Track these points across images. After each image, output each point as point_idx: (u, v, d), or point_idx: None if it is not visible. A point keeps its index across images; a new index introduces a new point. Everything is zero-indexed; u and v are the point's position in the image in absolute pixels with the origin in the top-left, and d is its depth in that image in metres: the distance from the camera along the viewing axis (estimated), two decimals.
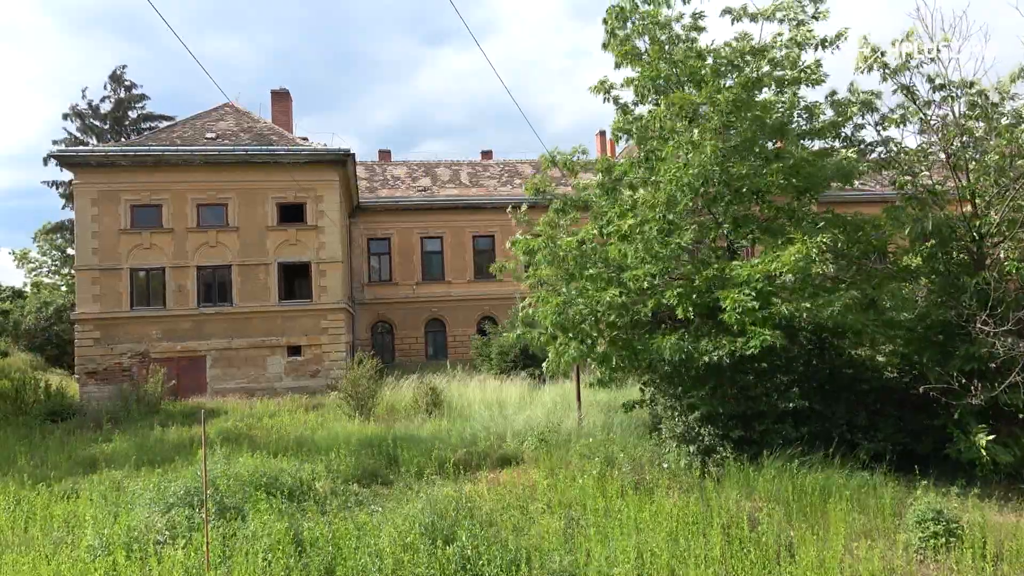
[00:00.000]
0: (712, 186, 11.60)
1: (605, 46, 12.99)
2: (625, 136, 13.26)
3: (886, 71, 12.18)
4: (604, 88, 13.35)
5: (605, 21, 12.84)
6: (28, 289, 47.74)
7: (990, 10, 11.36)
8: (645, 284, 10.99)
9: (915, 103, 12.38)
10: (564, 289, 11.98)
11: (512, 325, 13.19)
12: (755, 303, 10.00)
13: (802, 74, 12.30)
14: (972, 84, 11.89)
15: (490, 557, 7.32)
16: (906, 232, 12.22)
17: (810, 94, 12.92)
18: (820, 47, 12.22)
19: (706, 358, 10.65)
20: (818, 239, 10.24)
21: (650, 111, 12.95)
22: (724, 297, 10.33)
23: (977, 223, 12.02)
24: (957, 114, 12.17)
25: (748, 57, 12.37)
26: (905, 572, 7.44)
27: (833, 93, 12.87)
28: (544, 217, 13.88)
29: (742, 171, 11.37)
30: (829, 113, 12.84)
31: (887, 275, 12.21)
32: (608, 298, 11.17)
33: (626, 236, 11.39)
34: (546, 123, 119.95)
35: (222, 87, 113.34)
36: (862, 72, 12.36)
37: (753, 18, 12.59)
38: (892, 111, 12.72)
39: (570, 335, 11.82)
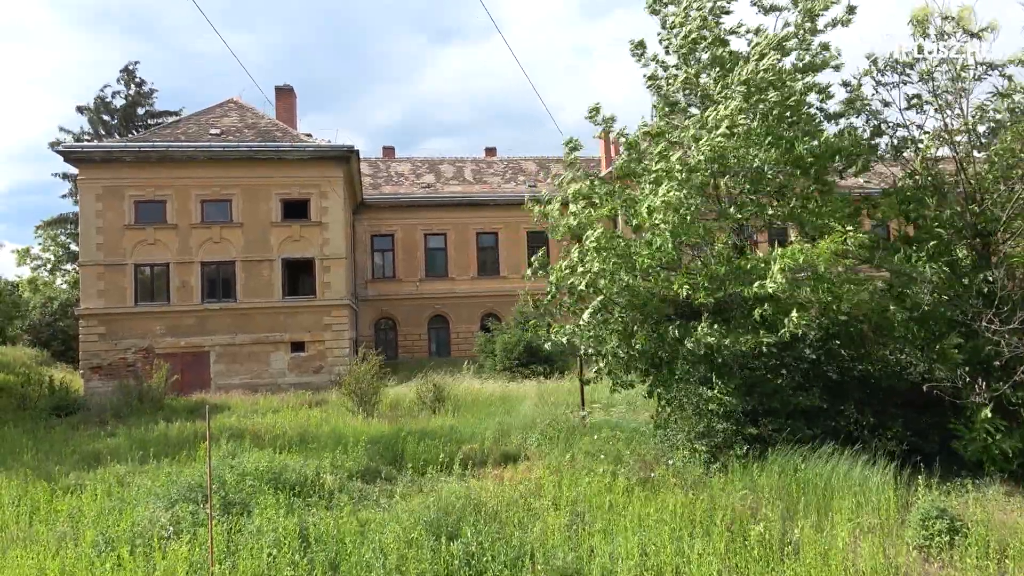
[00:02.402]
0: (731, 163, 11.68)
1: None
2: (655, 93, 13.34)
3: (899, 67, 12.19)
4: (639, 49, 13.62)
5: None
6: (22, 283, 47.76)
7: (996, 5, 11.30)
8: (670, 256, 10.99)
9: (934, 94, 12.32)
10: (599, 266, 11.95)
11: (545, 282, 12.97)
12: (784, 291, 9.96)
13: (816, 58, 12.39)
14: (993, 65, 11.76)
15: (494, 553, 7.32)
16: (926, 214, 12.26)
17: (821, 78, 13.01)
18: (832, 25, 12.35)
19: (739, 347, 10.61)
20: (857, 234, 10.26)
21: (684, 76, 13.02)
22: (749, 287, 10.32)
23: (983, 219, 11.96)
24: (967, 108, 12.12)
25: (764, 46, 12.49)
26: (909, 569, 7.43)
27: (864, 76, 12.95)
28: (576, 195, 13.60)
29: (759, 149, 11.44)
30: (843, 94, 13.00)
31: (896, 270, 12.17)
32: (627, 280, 11.19)
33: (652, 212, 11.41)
34: (550, 121, 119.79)
35: (227, 83, 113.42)
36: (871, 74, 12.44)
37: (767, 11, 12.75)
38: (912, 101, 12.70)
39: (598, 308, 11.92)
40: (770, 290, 9.98)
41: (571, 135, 14.11)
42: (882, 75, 12.67)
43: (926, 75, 12.12)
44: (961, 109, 12.22)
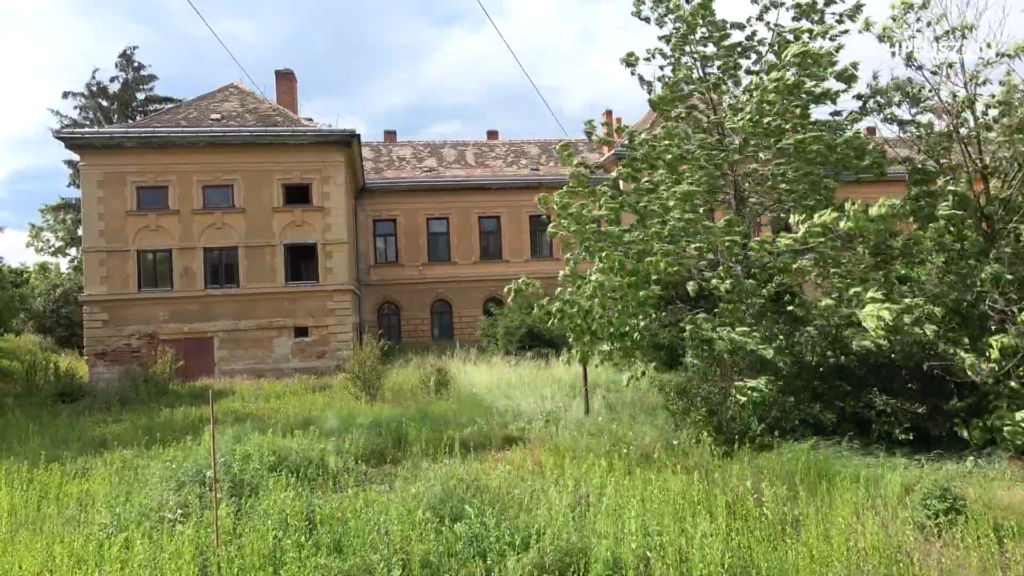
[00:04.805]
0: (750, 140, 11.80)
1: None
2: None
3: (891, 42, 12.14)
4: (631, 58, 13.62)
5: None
6: (32, 269, 47.87)
7: None
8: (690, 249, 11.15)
9: (923, 75, 12.27)
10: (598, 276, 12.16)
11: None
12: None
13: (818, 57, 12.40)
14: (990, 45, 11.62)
15: (499, 535, 7.35)
16: (911, 220, 12.23)
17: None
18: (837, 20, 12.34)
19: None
20: (889, 202, 10.24)
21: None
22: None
23: (994, 201, 11.88)
24: (970, 89, 12.01)
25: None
26: (910, 547, 7.46)
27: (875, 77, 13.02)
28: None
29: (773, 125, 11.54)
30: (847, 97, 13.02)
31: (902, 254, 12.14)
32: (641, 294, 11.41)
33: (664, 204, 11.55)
34: (554, 105, 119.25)
35: (230, 68, 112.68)
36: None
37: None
38: (911, 90, 12.63)
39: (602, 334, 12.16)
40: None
41: (570, 120, 14.40)
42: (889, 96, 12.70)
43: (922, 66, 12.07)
44: (967, 89, 12.11)
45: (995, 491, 9.01)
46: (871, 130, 14.45)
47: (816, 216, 10.17)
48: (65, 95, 43.04)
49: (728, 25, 12.86)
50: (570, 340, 13.02)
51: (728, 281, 11.02)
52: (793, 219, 10.47)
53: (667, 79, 13.31)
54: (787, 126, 11.91)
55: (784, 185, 12.58)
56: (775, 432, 11.05)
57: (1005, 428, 10.05)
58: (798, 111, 12.22)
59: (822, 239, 10.25)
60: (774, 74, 11.88)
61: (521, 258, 36.40)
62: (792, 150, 12.14)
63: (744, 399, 10.89)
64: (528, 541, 7.29)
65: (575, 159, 13.71)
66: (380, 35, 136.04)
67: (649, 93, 13.44)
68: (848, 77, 12.47)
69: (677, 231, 11.54)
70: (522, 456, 11.54)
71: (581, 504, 8.64)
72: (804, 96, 12.20)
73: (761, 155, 12.41)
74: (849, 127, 12.90)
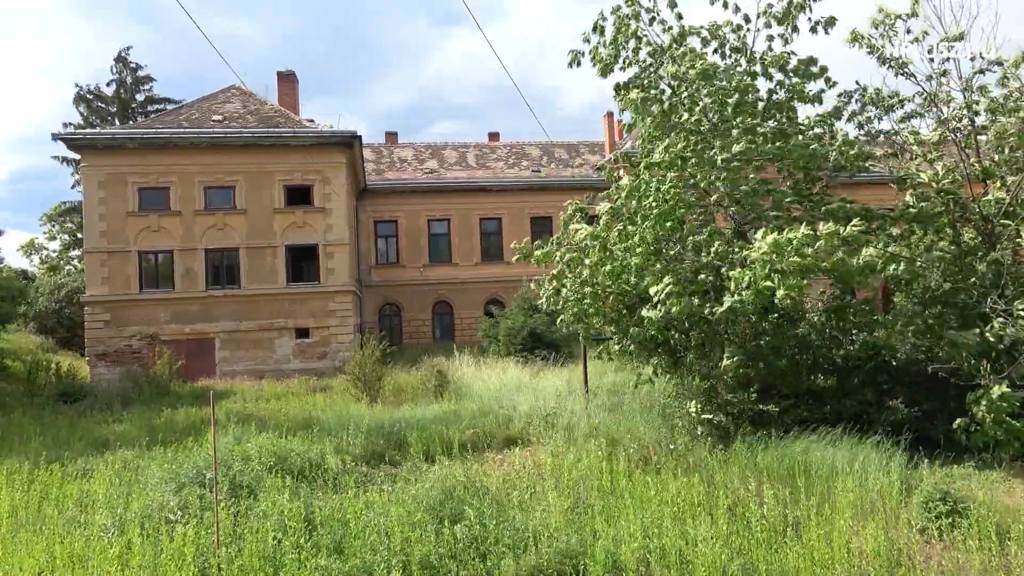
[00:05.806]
0: (705, 166, 11.78)
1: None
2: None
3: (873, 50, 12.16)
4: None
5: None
6: (37, 271, 48.00)
7: None
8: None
9: (916, 80, 12.26)
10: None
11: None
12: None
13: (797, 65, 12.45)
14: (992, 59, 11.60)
15: (498, 536, 7.35)
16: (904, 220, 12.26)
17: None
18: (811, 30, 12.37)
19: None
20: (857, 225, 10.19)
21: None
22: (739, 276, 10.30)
23: (990, 202, 11.87)
24: (966, 95, 12.00)
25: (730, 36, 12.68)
26: (911, 551, 7.44)
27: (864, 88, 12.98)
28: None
29: (737, 148, 11.49)
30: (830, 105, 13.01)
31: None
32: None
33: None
34: (554, 105, 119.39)
35: (230, 69, 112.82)
36: (858, 46, 12.30)
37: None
38: (897, 98, 12.61)
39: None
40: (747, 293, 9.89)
41: (571, 121, 14.42)
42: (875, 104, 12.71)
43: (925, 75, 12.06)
44: (964, 96, 12.10)
45: (997, 493, 9.00)
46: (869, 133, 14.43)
47: (778, 233, 9.93)
48: (77, 99, 43.30)
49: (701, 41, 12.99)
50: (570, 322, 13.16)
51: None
52: (762, 234, 10.33)
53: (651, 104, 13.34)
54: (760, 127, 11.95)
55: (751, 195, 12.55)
56: (772, 425, 11.04)
57: (995, 430, 9.97)
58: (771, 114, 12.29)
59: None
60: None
61: (522, 260, 36.35)
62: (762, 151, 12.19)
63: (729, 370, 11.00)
64: (527, 543, 7.28)
65: (576, 167, 13.83)
66: (380, 35, 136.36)
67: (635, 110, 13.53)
68: (817, 73, 12.51)
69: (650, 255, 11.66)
70: (522, 457, 11.54)
71: (580, 506, 8.64)
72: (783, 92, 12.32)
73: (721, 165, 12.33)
74: (826, 128, 12.87)
